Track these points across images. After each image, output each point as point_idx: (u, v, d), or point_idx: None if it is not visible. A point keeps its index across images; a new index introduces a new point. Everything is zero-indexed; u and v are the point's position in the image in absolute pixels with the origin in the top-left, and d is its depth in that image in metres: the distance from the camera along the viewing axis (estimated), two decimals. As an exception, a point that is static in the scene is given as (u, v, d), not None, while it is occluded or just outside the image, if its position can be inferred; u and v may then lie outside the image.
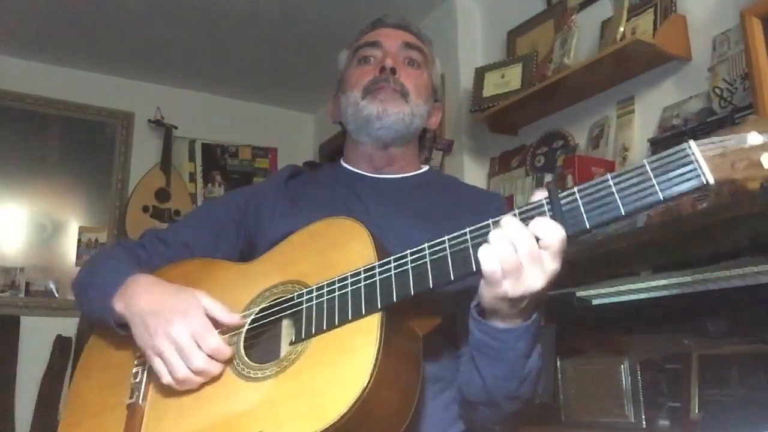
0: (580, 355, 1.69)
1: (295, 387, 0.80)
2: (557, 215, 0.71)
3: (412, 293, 0.78)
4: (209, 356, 0.87)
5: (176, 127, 3.81)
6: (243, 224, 1.12)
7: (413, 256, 0.79)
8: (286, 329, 0.89)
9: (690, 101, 1.96)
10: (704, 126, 1.76)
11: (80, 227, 3.57)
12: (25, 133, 3.53)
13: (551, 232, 0.70)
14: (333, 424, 0.73)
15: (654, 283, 1.50)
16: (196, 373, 0.86)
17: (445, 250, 0.77)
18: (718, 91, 1.82)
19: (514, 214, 0.74)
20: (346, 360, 0.78)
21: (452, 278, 0.76)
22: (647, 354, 1.56)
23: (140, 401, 0.91)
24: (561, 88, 2.31)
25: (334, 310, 0.83)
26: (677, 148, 0.67)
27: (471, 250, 0.75)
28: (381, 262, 0.82)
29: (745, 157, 0.64)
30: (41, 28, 3.28)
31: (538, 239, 0.71)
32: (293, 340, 0.85)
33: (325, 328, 0.83)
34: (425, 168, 1.22)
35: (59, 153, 3.61)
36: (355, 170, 1.17)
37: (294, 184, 1.16)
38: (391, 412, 0.78)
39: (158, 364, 0.88)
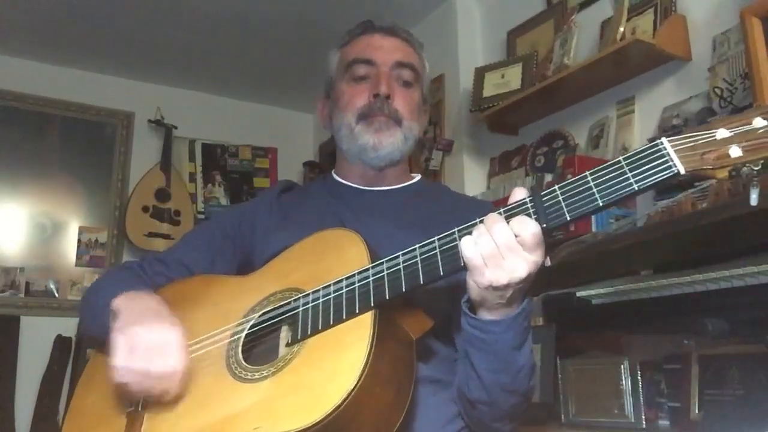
0: (580, 355, 1.69)
1: (291, 383, 0.82)
2: (538, 210, 0.76)
3: (404, 290, 0.81)
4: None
5: (176, 127, 3.81)
6: (238, 242, 1.14)
7: (405, 257, 0.83)
8: (284, 334, 0.90)
9: (690, 101, 1.96)
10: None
11: (80, 227, 3.57)
12: (25, 133, 3.53)
13: (525, 228, 0.75)
14: (328, 414, 0.74)
15: (654, 283, 1.50)
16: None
17: (435, 249, 0.81)
18: (718, 91, 1.82)
19: (500, 212, 0.79)
20: (340, 355, 0.80)
21: (441, 273, 0.80)
22: (647, 354, 1.56)
23: (139, 409, 0.92)
24: (561, 88, 2.31)
25: (329, 310, 0.85)
26: (651, 144, 0.73)
27: (459, 246, 0.79)
28: (374, 264, 0.85)
29: (714, 150, 0.69)
30: (41, 28, 3.27)
31: (516, 235, 0.76)
32: (289, 342, 0.87)
33: (320, 328, 0.84)
34: (416, 178, 1.24)
35: (59, 153, 3.61)
36: (348, 183, 1.19)
37: (286, 200, 1.18)
38: (385, 407, 0.80)
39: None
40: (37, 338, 3.27)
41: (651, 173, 0.71)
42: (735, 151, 0.68)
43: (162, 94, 3.88)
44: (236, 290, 1.00)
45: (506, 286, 0.78)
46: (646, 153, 0.72)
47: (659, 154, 0.71)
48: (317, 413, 0.75)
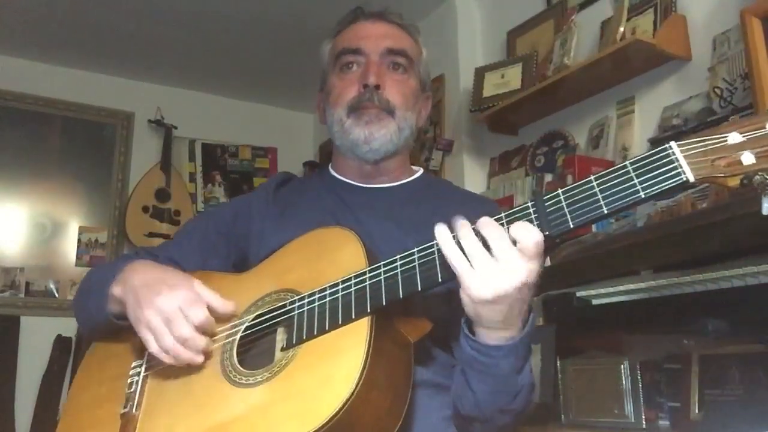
0: (580, 355, 1.69)
1: (286, 390, 0.80)
2: (541, 216, 0.72)
3: (401, 296, 0.79)
4: (196, 327, 0.88)
5: (176, 127, 3.81)
6: (232, 238, 1.11)
7: (402, 261, 0.80)
8: (280, 337, 0.89)
9: (690, 101, 1.96)
10: (704, 126, 1.76)
11: (80, 227, 3.57)
12: (25, 133, 3.53)
13: (528, 235, 0.71)
14: (325, 423, 0.73)
15: (654, 283, 1.50)
16: (181, 342, 0.87)
17: (434, 253, 0.78)
18: (718, 91, 1.82)
19: (500, 217, 0.75)
20: (336, 361, 0.78)
21: (440, 280, 0.77)
22: (647, 354, 1.55)
23: (134, 410, 0.92)
24: (561, 88, 2.31)
25: (324, 315, 0.83)
26: (659, 148, 0.68)
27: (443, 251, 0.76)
28: (371, 267, 0.82)
29: (725, 156, 0.65)
30: (41, 28, 3.28)
31: (516, 241, 0.72)
32: (284, 346, 0.86)
33: (315, 333, 0.83)
34: (418, 173, 1.18)
35: (59, 153, 3.61)
36: (345, 179, 1.15)
37: (283, 195, 1.14)
38: (382, 413, 0.78)
39: (145, 333, 0.89)
40: (37, 338, 3.28)
41: (658, 180, 0.67)
42: (748, 158, 0.64)
43: (162, 94, 3.88)
44: (231, 290, 0.98)
45: (495, 300, 0.73)
46: (653, 158, 0.68)
47: (668, 159, 0.67)
48: (313, 422, 0.73)
